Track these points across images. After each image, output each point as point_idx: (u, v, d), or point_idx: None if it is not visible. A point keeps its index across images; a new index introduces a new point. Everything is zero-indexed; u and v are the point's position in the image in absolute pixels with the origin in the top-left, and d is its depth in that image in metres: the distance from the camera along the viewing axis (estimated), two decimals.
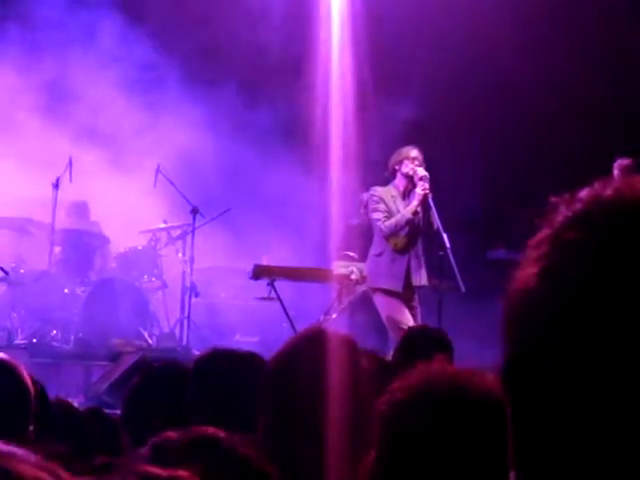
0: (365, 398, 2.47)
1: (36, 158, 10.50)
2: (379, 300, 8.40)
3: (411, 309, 8.31)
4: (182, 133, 11.32)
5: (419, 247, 8.44)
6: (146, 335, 9.95)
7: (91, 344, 9.59)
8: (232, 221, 10.91)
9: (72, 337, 9.84)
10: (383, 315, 8.30)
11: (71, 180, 10.32)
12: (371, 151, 9.85)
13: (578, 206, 1.02)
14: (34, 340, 9.68)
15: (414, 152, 8.49)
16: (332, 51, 9.51)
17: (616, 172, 8.68)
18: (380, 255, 8.44)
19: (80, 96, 11.28)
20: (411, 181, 8.45)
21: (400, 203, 8.49)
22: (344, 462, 2.40)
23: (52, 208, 10.31)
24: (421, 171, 8.37)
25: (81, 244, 10.64)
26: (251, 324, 10.25)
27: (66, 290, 10.14)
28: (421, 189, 8.26)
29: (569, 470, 0.98)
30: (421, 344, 4.96)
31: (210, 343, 9.07)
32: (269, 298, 8.98)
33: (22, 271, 10.16)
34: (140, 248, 10.67)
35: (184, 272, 10.41)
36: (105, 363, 9.13)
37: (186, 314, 10.07)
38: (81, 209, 11.06)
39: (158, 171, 10.43)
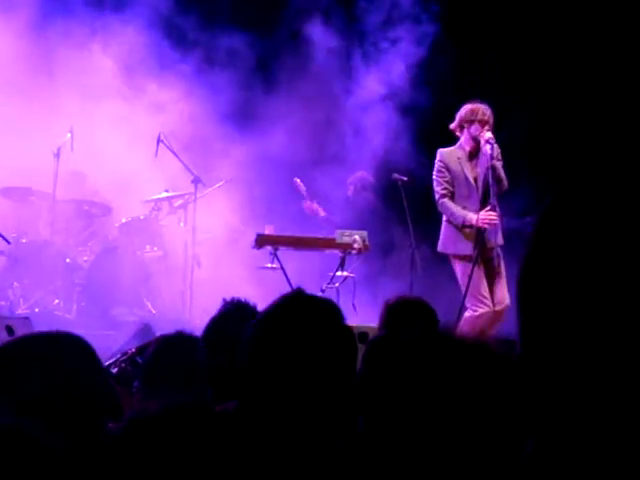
0: (341, 360, 2.46)
1: (37, 126, 10.44)
2: (454, 266, 8.35)
3: (492, 269, 8.25)
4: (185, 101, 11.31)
5: (493, 207, 8.21)
6: (149, 305, 9.95)
7: (93, 313, 9.58)
8: (234, 191, 10.89)
9: (74, 306, 9.85)
10: (459, 281, 8.28)
11: (72, 149, 10.27)
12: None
13: None
14: (36, 310, 9.66)
15: (487, 114, 8.28)
16: None
17: None
18: (449, 220, 8.38)
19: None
20: (478, 143, 8.28)
21: (466, 165, 8.32)
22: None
23: (53, 177, 10.28)
24: (488, 134, 8.17)
25: (82, 213, 10.61)
26: (254, 293, 10.21)
27: (68, 260, 10.13)
28: (489, 158, 8.07)
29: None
30: (401, 316, 4.91)
31: (211, 313, 9.10)
32: (272, 267, 8.97)
33: (24, 241, 10.13)
34: (142, 217, 10.64)
35: (186, 242, 10.39)
36: (108, 332, 9.12)
37: (188, 284, 10.06)
38: (78, 178, 11.00)
39: (159, 140, 10.37)
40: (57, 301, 9.90)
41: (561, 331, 1.02)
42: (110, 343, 8.57)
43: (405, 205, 9.97)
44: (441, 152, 8.48)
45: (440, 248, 8.48)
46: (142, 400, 3.32)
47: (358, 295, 9.05)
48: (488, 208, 8.14)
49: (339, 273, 9.04)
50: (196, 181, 10.39)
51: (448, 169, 8.35)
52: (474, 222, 8.15)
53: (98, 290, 9.80)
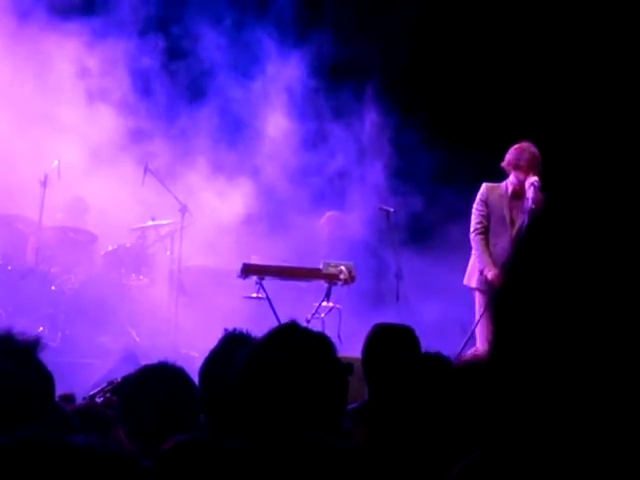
0: (332, 394, 2.46)
1: (24, 155, 10.46)
2: (475, 298, 8.40)
3: None
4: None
5: None
6: (133, 333, 9.93)
7: (78, 341, 9.55)
8: (221, 220, 10.91)
9: (59, 334, 9.81)
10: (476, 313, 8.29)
11: (59, 178, 10.27)
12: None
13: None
14: None
15: (534, 160, 8.21)
16: None
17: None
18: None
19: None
20: (523, 185, 8.22)
21: (506, 202, 8.30)
22: None
23: (40, 205, 10.27)
24: (533, 178, 8.12)
25: (68, 241, 10.60)
26: (239, 323, 10.19)
27: (53, 287, 10.11)
28: (530, 201, 8.01)
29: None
30: (385, 343, 4.93)
31: (196, 341, 9.09)
32: (258, 297, 8.97)
33: (9, 268, 10.11)
34: (128, 245, 10.65)
35: (172, 270, 10.39)
36: (92, 360, 9.10)
37: (173, 312, 10.05)
38: (81, 205, 11.08)
39: (147, 169, 10.39)
40: (42, 328, 9.86)
41: (532, 344, 1.05)
42: (95, 371, 8.57)
43: (392, 235, 10.00)
44: (485, 186, 8.48)
45: (465, 281, 8.54)
46: (124, 431, 3.30)
47: (344, 326, 9.05)
48: None
49: (325, 303, 9.04)
50: (183, 210, 10.40)
51: (487, 204, 8.37)
52: (489, 276, 8.18)
53: (83, 318, 9.77)
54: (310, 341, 2.56)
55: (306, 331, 2.63)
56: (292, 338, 2.55)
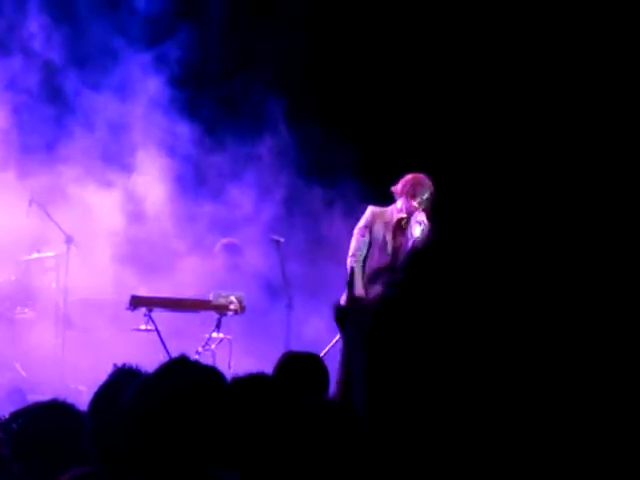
0: (224, 425, 2.46)
1: None
2: None
3: None
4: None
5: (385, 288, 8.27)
6: (18, 367, 9.73)
7: None
8: (109, 251, 10.77)
9: None
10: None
11: None
12: None
13: None
14: None
15: (427, 196, 8.25)
16: None
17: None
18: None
19: None
20: (411, 215, 8.27)
21: (390, 230, 8.32)
22: None
23: None
24: (421, 217, 8.18)
25: None
26: (128, 356, 10.06)
27: None
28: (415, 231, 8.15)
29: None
30: (292, 371, 4.95)
31: (85, 375, 8.95)
32: (147, 329, 8.89)
33: None
34: (13, 279, 10.45)
35: (57, 303, 10.23)
36: None
37: (60, 345, 9.88)
38: None
39: (32, 201, 10.23)
40: None
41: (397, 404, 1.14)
42: None
43: (282, 265, 9.99)
44: (372, 211, 8.46)
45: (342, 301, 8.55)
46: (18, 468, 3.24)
47: (234, 356, 9.02)
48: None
49: (215, 334, 9.00)
50: (69, 241, 10.26)
51: (371, 230, 8.38)
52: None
53: None
54: (200, 374, 2.55)
55: (196, 364, 2.62)
56: (181, 372, 2.53)
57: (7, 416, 3.88)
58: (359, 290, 8.24)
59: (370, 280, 8.24)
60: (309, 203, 11.22)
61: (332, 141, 10.87)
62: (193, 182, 11.46)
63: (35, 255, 10.66)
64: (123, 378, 3.35)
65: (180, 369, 2.54)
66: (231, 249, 10.99)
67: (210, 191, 11.42)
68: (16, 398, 7.57)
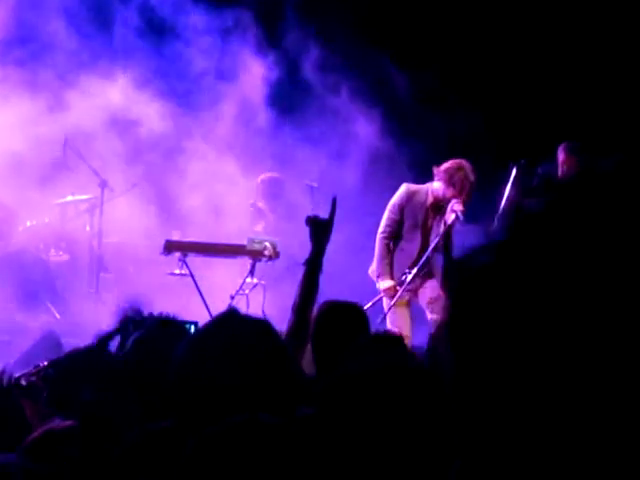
0: (279, 377, 2.43)
1: None
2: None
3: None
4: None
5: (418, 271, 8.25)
6: (53, 309, 9.78)
7: None
8: (142, 196, 10.75)
9: None
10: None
11: None
12: None
13: None
14: None
15: (468, 184, 8.06)
16: None
17: (561, 156, 8.29)
18: None
19: None
20: (448, 201, 8.09)
21: (424, 211, 8.19)
22: None
23: None
24: (457, 206, 7.96)
25: None
26: (162, 300, 10.07)
27: None
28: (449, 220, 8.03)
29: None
30: (332, 320, 4.92)
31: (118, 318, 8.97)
32: (181, 274, 8.89)
33: None
34: (47, 221, 10.48)
35: (92, 246, 10.25)
36: (11, 338, 8.94)
37: (94, 288, 9.93)
38: None
39: (66, 144, 10.21)
40: None
41: (490, 369, 1.07)
42: (13, 349, 8.41)
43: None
44: (406, 189, 8.31)
45: (370, 271, 8.59)
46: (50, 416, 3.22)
47: (268, 302, 9.00)
48: (405, 278, 8.16)
49: (249, 280, 8.99)
50: (103, 185, 10.25)
51: (403, 210, 8.27)
52: (381, 287, 8.26)
53: (1, 295, 9.59)
54: (251, 328, 2.51)
55: (246, 318, 2.58)
56: (232, 326, 2.50)
57: (46, 363, 3.88)
58: (383, 270, 8.27)
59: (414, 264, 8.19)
60: None
61: None
62: None
63: (69, 198, 10.68)
64: (160, 327, 3.33)
65: (232, 323, 2.51)
66: (272, 183, 10.49)
67: None
68: (50, 340, 7.59)
